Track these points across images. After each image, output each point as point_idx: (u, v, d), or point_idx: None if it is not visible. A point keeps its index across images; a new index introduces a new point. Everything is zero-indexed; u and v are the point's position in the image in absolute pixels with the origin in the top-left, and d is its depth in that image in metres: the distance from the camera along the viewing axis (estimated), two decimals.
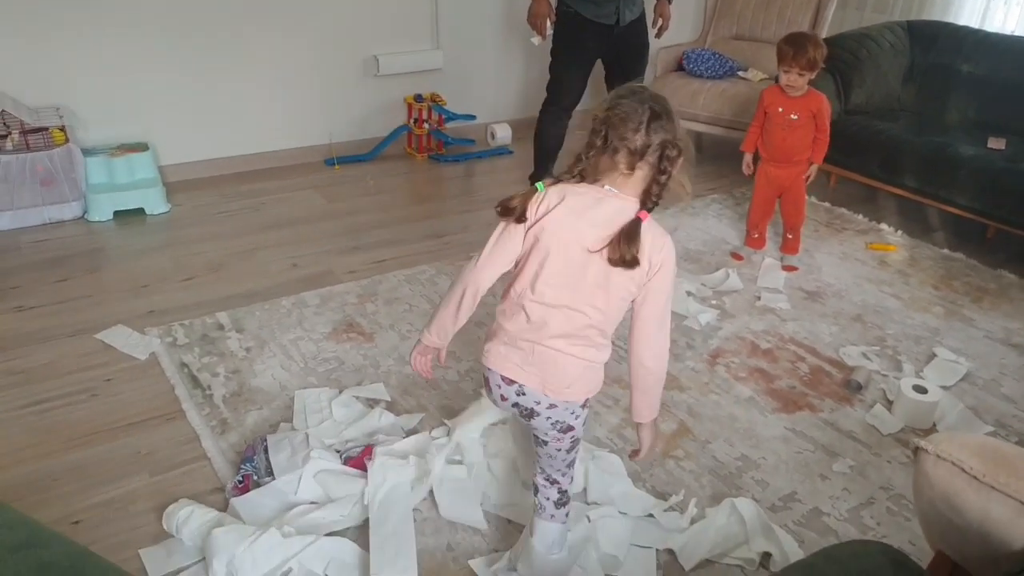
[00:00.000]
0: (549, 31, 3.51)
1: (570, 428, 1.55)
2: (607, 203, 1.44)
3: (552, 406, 1.51)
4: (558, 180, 1.49)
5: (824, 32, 4.14)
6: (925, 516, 1.44)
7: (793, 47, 2.87)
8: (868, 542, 1.34)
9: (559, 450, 1.58)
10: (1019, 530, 1.25)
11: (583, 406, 1.56)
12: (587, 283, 1.44)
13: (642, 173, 1.43)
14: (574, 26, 3.44)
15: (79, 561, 1.26)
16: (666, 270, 1.47)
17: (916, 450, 1.41)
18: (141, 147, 3.54)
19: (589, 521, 1.83)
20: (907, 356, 2.60)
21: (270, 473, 1.90)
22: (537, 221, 1.45)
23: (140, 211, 3.43)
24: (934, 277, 3.15)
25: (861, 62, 3.83)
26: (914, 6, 4.56)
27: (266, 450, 1.96)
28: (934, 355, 2.60)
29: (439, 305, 1.59)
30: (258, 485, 1.88)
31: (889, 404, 2.35)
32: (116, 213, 3.38)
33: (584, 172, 1.46)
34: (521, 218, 1.45)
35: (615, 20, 3.42)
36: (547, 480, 1.64)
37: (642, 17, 3.56)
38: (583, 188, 1.46)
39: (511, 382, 1.50)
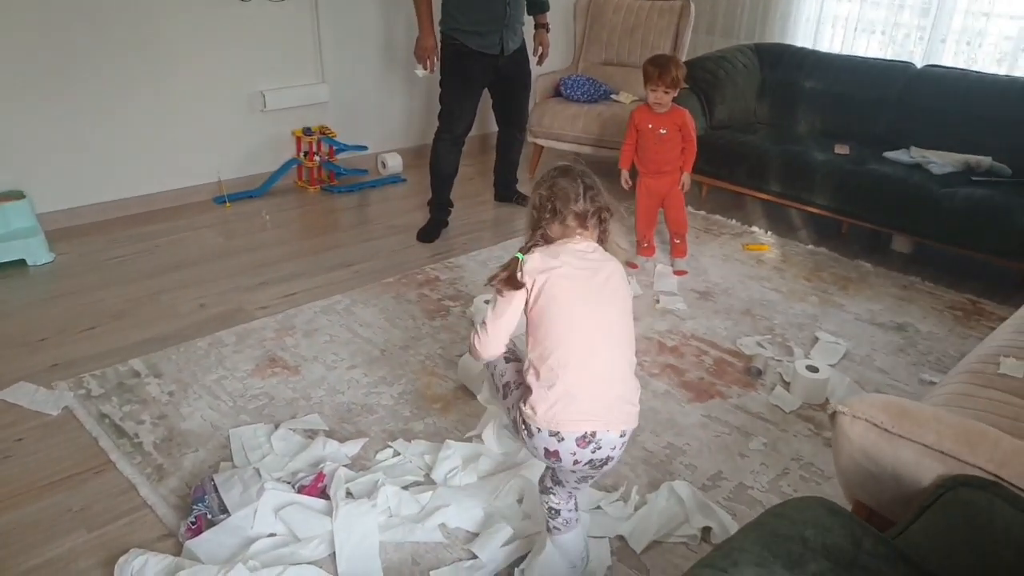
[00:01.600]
0: (435, 64, 3.64)
1: None
2: (587, 246, 1.71)
3: (624, 445, 1.65)
4: (530, 248, 1.71)
5: (683, 55, 4.50)
6: (845, 471, 1.65)
7: (658, 68, 3.14)
8: (807, 498, 1.51)
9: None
10: (925, 469, 1.47)
11: None
12: (608, 313, 1.66)
13: (590, 232, 1.73)
14: (460, 57, 3.58)
15: None
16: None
17: (833, 414, 1.62)
18: (15, 195, 3.34)
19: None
20: (795, 341, 2.89)
21: (224, 510, 1.88)
22: (541, 287, 1.64)
23: (20, 263, 3.24)
24: (805, 270, 3.50)
25: (721, 82, 4.20)
26: (756, 31, 5.04)
27: (216, 488, 1.94)
28: (817, 339, 2.91)
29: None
30: (212, 524, 1.85)
31: (787, 385, 2.61)
32: None
33: (545, 236, 1.72)
34: (519, 285, 1.66)
35: (499, 50, 3.60)
36: (569, 496, 1.74)
37: (524, 46, 3.76)
38: (568, 247, 1.69)
39: (587, 442, 1.58)
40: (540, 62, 4.00)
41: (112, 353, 2.66)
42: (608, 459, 1.63)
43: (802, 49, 4.46)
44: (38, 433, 2.26)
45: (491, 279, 1.71)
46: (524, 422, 1.61)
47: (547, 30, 3.99)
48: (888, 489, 1.55)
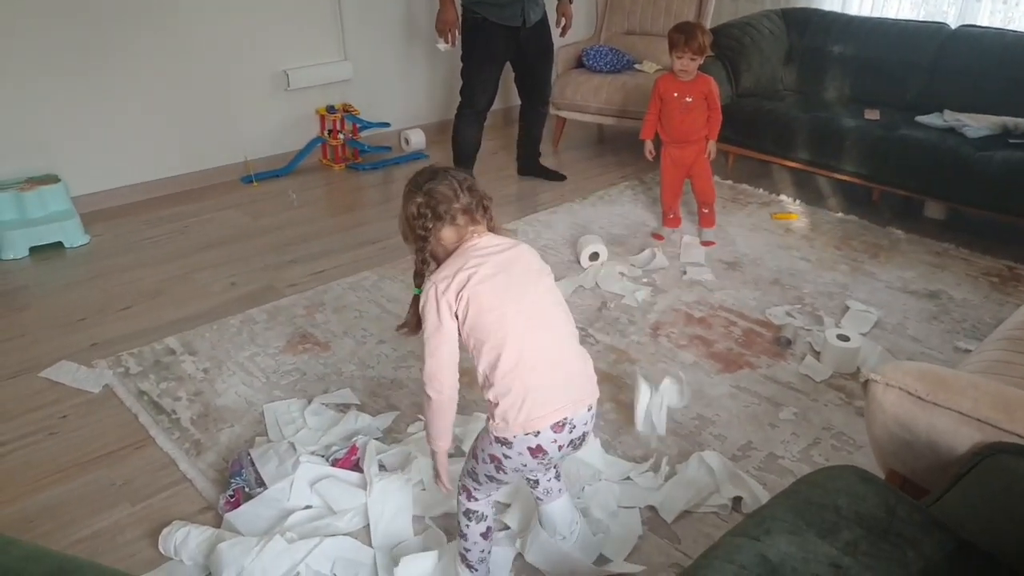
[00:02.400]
0: (456, 38, 3.62)
1: None
2: (487, 243, 1.56)
3: (594, 416, 1.59)
4: (420, 275, 1.58)
5: (708, 22, 4.42)
6: (878, 439, 1.64)
7: (684, 34, 3.10)
8: (839, 466, 1.51)
9: None
10: (961, 437, 1.46)
11: None
12: (537, 298, 1.55)
13: (482, 224, 1.58)
14: (482, 30, 3.56)
15: None
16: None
17: (866, 382, 1.61)
18: (51, 179, 3.40)
19: (583, 492, 1.97)
20: (824, 311, 2.86)
21: (261, 484, 1.93)
22: (465, 315, 1.49)
23: (58, 245, 3.31)
24: (835, 239, 3.46)
25: (746, 48, 4.13)
26: None
27: (252, 462, 1.98)
28: (847, 307, 2.88)
29: (435, 425, 1.60)
30: (250, 497, 1.90)
31: (817, 354, 2.59)
32: (32, 249, 3.25)
33: (434, 253, 1.57)
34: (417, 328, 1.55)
35: (521, 22, 3.57)
36: (546, 469, 1.74)
37: (545, 18, 3.72)
38: (468, 254, 1.53)
39: (561, 427, 1.51)
40: (563, 33, 3.96)
41: (148, 332, 2.71)
42: (584, 435, 1.58)
43: (830, 13, 4.36)
44: (81, 410, 2.33)
45: (400, 328, 1.59)
46: (498, 439, 1.52)
47: (570, 0, 3.94)
48: (923, 457, 1.55)
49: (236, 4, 3.83)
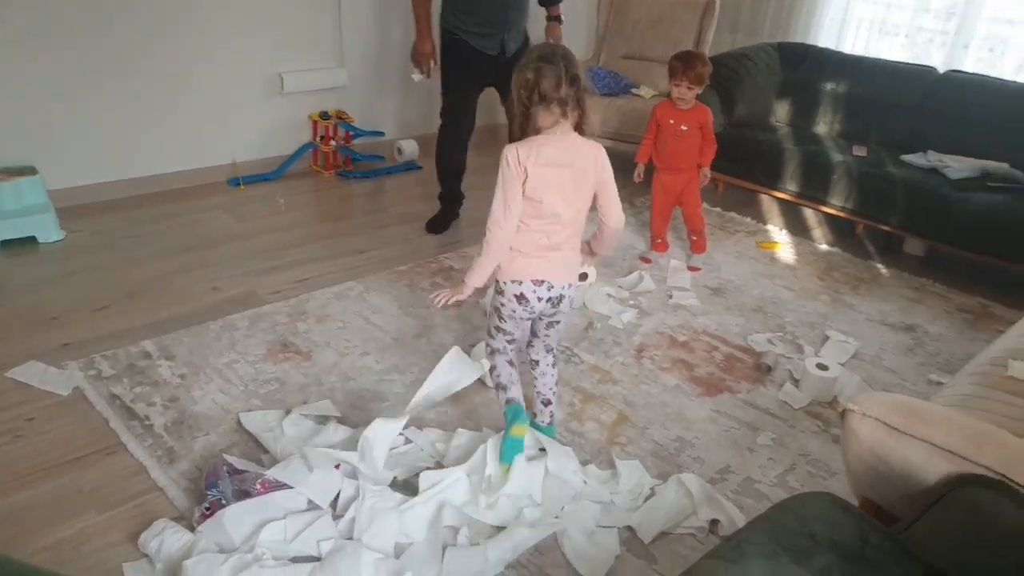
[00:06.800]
0: (434, 68, 3.57)
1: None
2: (566, 142, 1.91)
3: (571, 290, 2.06)
4: (513, 138, 1.94)
5: (706, 52, 4.47)
6: (853, 467, 1.65)
7: (683, 63, 3.13)
8: (814, 493, 1.52)
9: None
10: (933, 468, 1.47)
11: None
12: (574, 196, 1.95)
13: (569, 119, 1.90)
14: (461, 54, 3.46)
15: None
16: (606, 163, 1.99)
17: (844, 412, 1.62)
18: (28, 171, 3.33)
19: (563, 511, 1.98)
20: (805, 339, 2.88)
21: (238, 497, 1.87)
22: (527, 176, 1.89)
23: (31, 240, 3.24)
24: (817, 270, 3.49)
25: (741, 79, 4.18)
26: (780, 30, 5.00)
27: (229, 473, 1.94)
28: (827, 337, 2.90)
29: (481, 261, 1.99)
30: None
31: (796, 382, 2.60)
32: (4, 243, 3.19)
33: (533, 127, 1.89)
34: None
35: (499, 51, 3.50)
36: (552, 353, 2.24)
37: (527, 44, 3.67)
38: (547, 140, 1.89)
39: (540, 282, 1.99)
40: None
41: (124, 334, 2.67)
42: (561, 297, 2.03)
43: (825, 50, 4.42)
44: (49, 413, 2.26)
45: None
46: (497, 287, 2.04)
47: (559, 22, 3.89)
48: (895, 487, 1.56)
49: (233, 3, 3.81)
